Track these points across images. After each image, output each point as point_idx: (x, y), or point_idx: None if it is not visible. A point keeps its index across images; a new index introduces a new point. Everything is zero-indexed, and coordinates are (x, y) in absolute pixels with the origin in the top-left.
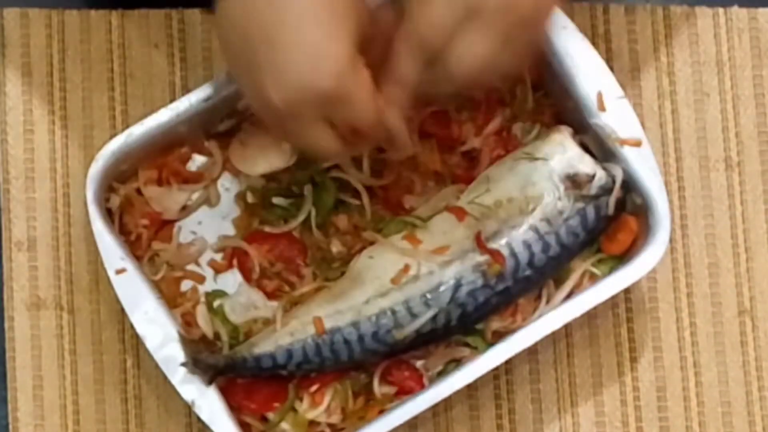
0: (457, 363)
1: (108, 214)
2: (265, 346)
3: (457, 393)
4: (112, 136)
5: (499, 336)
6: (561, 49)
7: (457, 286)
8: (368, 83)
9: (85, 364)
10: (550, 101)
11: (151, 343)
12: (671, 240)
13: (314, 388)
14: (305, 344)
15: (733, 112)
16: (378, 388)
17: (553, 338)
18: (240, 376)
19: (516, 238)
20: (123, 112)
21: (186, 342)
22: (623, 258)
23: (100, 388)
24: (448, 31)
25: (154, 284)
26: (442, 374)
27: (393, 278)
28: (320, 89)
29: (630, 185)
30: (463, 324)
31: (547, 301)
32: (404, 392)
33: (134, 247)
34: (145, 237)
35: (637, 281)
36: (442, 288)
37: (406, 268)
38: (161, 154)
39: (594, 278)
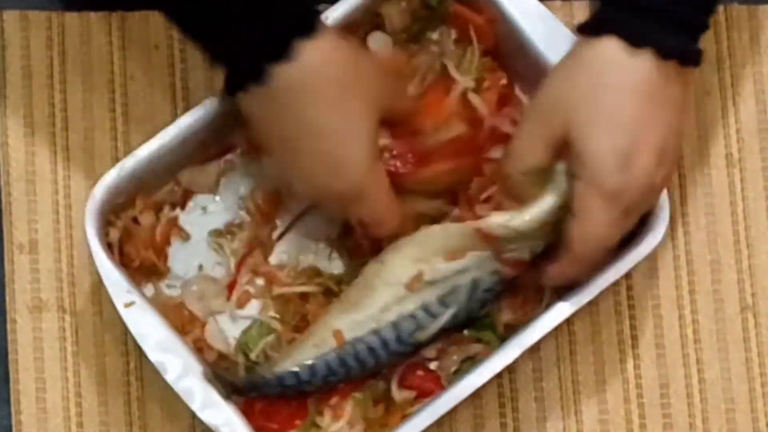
0: (471, 360)
1: (108, 246)
2: (285, 364)
3: None
4: (113, 138)
5: (511, 329)
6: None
7: (474, 287)
8: (384, 182)
9: (88, 366)
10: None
11: (170, 374)
12: (673, 237)
13: (334, 400)
14: (328, 358)
15: (734, 109)
16: (398, 394)
17: (556, 336)
18: (264, 396)
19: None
20: (123, 114)
21: (209, 366)
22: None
23: (103, 390)
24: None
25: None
26: (458, 373)
27: (408, 284)
28: (338, 193)
29: None
30: (481, 315)
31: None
32: (424, 395)
33: (137, 274)
34: (147, 266)
35: (638, 269)
36: (458, 290)
37: (420, 273)
38: (156, 182)
39: None
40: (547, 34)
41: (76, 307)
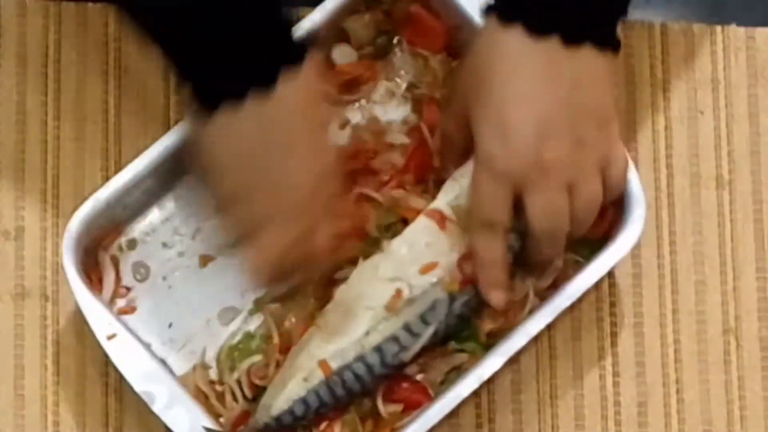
0: (457, 370)
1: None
2: (279, 403)
3: None
4: (103, 129)
5: (493, 336)
6: None
7: (452, 300)
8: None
9: (67, 355)
10: None
11: (157, 404)
12: (659, 255)
13: (324, 425)
14: (318, 390)
15: (727, 130)
16: (383, 409)
17: (536, 349)
18: None
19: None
20: (116, 106)
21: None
22: (602, 243)
23: (81, 380)
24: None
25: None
26: (444, 383)
27: (387, 305)
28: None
29: None
30: (460, 330)
31: (535, 294)
32: (411, 407)
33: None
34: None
35: (622, 286)
36: (437, 305)
37: (399, 293)
38: (132, 213)
39: (577, 266)
40: None
41: (59, 296)
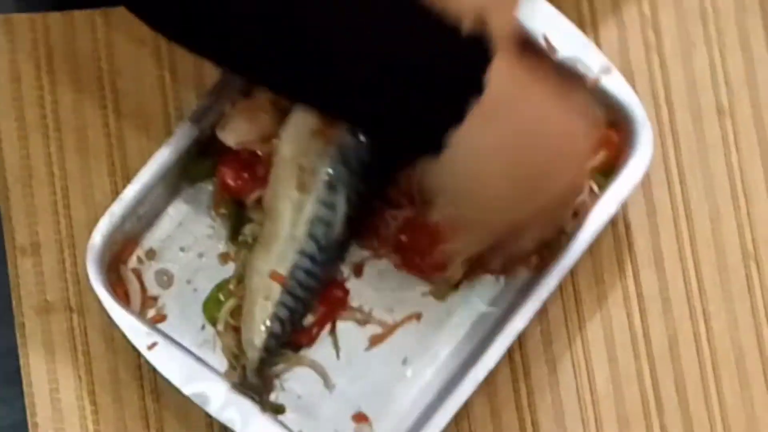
0: None
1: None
2: (257, 333)
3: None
4: (106, 134)
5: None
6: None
7: (345, 157)
8: None
9: (100, 363)
10: None
11: (212, 406)
12: (670, 191)
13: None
14: (282, 301)
15: (721, 60)
16: None
17: (561, 298)
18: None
19: None
20: (114, 110)
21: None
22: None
23: (117, 387)
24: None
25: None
26: None
27: (297, 186)
28: (579, 178)
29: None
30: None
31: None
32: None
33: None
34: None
35: (638, 225)
36: (337, 170)
37: (301, 168)
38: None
39: (594, 197)
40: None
41: (83, 306)
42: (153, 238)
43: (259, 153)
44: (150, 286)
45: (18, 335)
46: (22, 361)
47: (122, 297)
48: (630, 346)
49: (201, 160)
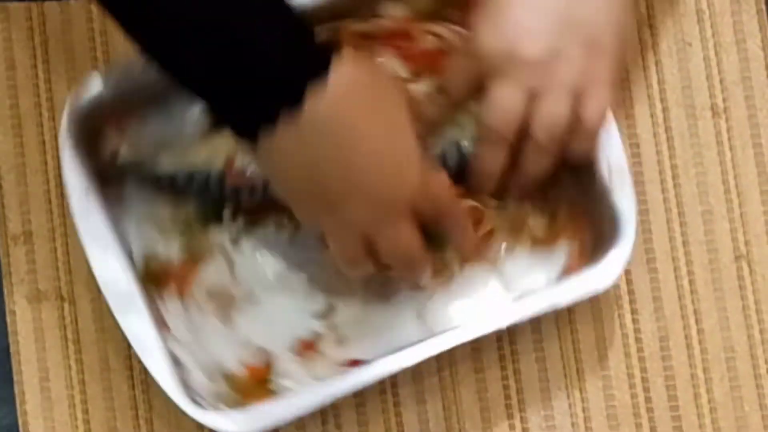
0: None
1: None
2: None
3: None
4: None
5: None
6: None
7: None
8: (429, 165)
9: (90, 353)
10: None
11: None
12: (663, 190)
13: None
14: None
15: (716, 59)
16: None
17: None
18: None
19: None
20: None
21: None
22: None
23: (107, 376)
24: (523, 108)
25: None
26: None
27: None
28: (407, 195)
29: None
30: None
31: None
32: None
33: None
34: None
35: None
36: None
37: None
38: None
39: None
40: None
41: (75, 295)
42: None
43: None
44: None
45: (9, 323)
46: (12, 349)
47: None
48: (621, 345)
49: None
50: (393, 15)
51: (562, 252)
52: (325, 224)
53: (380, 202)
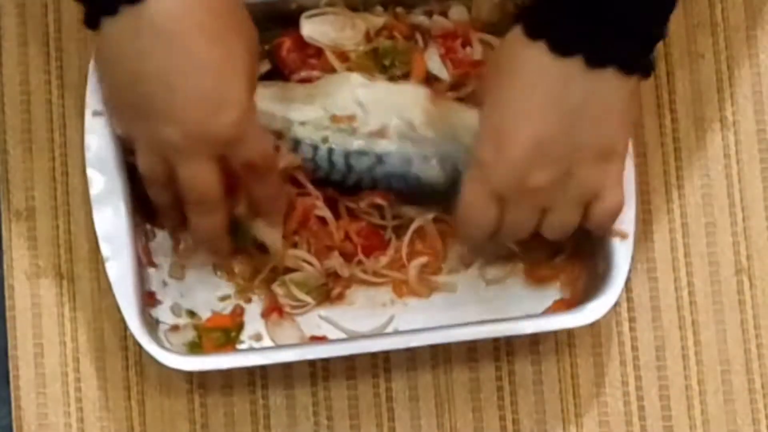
0: None
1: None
2: None
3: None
4: None
5: None
6: None
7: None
8: (261, 126)
9: (85, 331)
10: None
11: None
12: (668, 200)
13: None
14: None
15: (728, 72)
16: None
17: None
18: None
19: None
20: None
21: None
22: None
23: (101, 355)
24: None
25: None
26: None
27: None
28: (217, 133)
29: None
30: None
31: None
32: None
33: None
34: None
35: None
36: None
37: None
38: None
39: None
40: None
41: (74, 273)
42: None
43: (327, 52)
44: None
45: (6, 297)
46: (8, 324)
47: None
48: (617, 353)
49: None
50: (455, 18)
51: (554, 291)
52: (137, 134)
53: (193, 130)
